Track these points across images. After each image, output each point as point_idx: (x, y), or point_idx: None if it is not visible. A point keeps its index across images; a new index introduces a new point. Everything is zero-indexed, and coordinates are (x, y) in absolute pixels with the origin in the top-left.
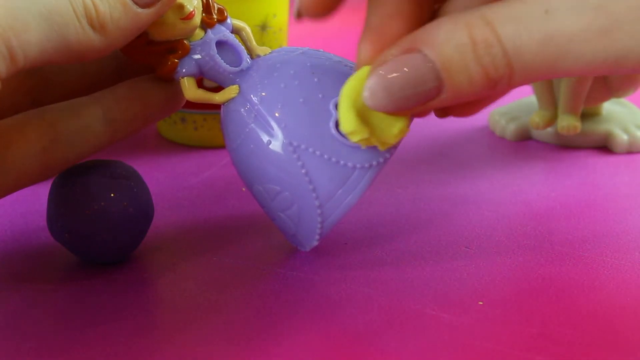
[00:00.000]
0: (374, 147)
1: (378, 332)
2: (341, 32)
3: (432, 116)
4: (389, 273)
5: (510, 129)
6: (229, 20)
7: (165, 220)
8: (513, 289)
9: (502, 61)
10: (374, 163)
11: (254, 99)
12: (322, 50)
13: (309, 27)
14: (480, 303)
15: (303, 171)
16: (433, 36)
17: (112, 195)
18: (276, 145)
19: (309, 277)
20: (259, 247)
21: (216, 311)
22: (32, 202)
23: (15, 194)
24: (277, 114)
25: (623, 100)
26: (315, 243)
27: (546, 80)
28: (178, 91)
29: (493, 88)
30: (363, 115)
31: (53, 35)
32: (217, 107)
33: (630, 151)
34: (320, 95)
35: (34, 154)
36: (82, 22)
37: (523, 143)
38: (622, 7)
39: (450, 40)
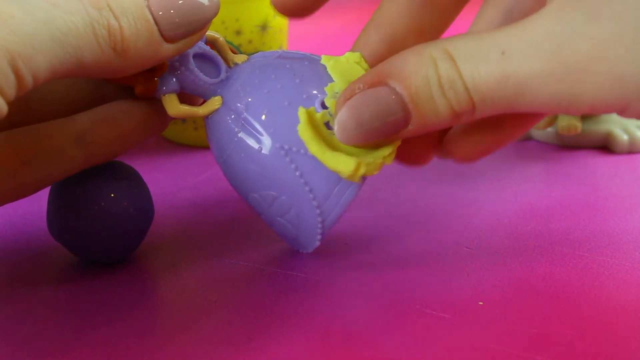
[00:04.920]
0: None
1: (378, 332)
2: (341, 32)
3: None
4: (389, 273)
5: None
6: None
7: (165, 220)
8: (513, 289)
9: (464, 96)
10: None
11: (239, 107)
12: (297, 51)
13: (309, 27)
14: (481, 303)
15: (297, 173)
16: (400, 69)
17: (112, 195)
18: (267, 150)
19: (309, 277)
20: (259, 247)
21: (216, 311)
22: (32, 203)
23: None
24: (264, 120)
25: None
26: (318, 243)
27: None
28: (160, 112)
29: (458, 119)
30: (333, 145)
31: (66, 56)
32: None
33: (630, 151)
34: (304, 96)
35: (4, 176)
36: (102, 44)
37: (523, 143)
38: (573, 55)
39: (417, 74)
